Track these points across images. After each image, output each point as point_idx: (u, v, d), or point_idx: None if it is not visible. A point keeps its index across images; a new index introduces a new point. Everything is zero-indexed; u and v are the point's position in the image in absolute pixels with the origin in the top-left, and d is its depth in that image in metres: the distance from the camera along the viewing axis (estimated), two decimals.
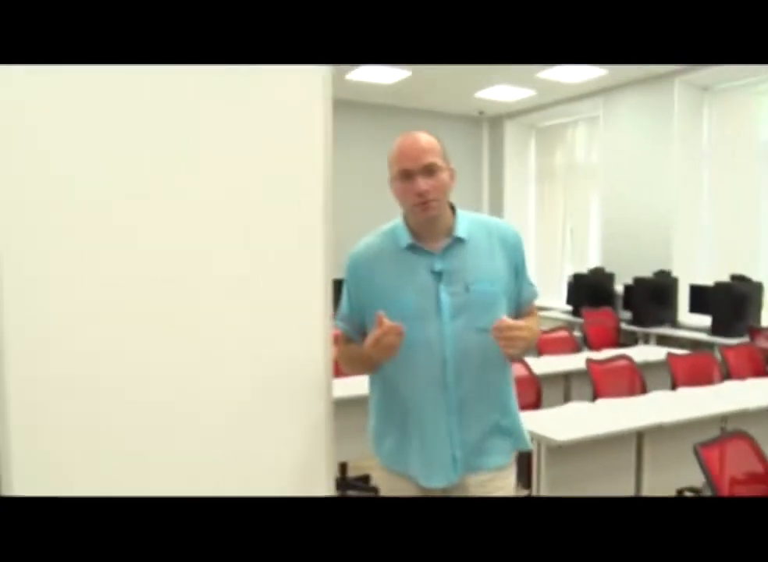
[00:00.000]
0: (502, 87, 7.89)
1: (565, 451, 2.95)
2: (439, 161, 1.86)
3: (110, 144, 1.66)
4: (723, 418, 3.40)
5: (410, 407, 1.93)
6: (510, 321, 1.78)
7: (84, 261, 1.64)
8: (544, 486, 3.03)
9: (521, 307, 2.02)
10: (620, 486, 3.15)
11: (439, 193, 1.85)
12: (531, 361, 4.18)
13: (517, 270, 1.97)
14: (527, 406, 3.49)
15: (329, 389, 1.96)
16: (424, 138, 1.88)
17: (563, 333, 5.59)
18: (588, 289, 7.50)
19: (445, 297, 1.87)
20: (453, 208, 1.97)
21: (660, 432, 3.16)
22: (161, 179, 1.72)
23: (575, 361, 4.52)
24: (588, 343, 5.82)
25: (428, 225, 1.90)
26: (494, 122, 9.57)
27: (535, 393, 3.83)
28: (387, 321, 1.74)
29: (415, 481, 1.93)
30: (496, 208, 9.45)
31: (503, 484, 1.97)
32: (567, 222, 9.13)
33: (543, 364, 4.47)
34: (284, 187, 1.89)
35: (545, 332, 5.67)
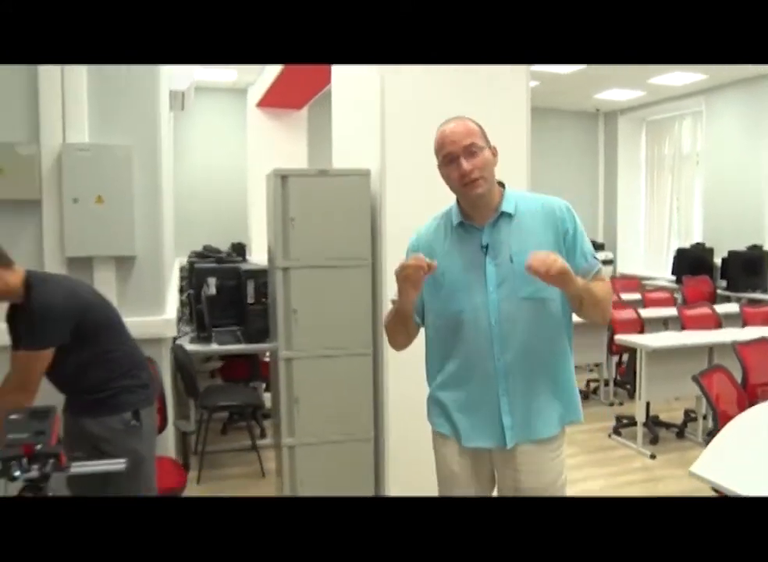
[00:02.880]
0: (615, 90, 9.32)
1: (658, 355, 4.60)
2: (479, 142, 1.93)
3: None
4: None
5: (462, 374, 2.01)
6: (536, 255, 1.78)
7: None
8: (644, 382, 4.67)
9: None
10: None
11: (483, 171, 1.92)
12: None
13: (566, 244, 1.97)
14: (633, 333, 5.18)
15: None
16: (462, 123, 1.96)
17: (664, 294, 7.12)
18: (690, 262, 8.84)
19: (490, 268, 1.95)
20: (502, 186, 2.04)
21: (725, 348, 4.71)
22: None
23: (671, 311, 6.08)
24: (685, 302, 7.28)
25: (476, 204, 1.97)
26: (608, 117, 10.97)
27: (639, 328, 5.48)
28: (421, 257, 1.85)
29: (461, 443, 2.05)
30: (610, 193, 10.89)
31: (553, 455, 2.02)
32: (674, 203, 10.41)
33: (646, 312, 6.05)
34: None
35: (649, 290, 7.26)
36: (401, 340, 2.12)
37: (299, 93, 7.90)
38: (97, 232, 3.26)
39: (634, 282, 8.52)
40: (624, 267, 10.55)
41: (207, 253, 6.35)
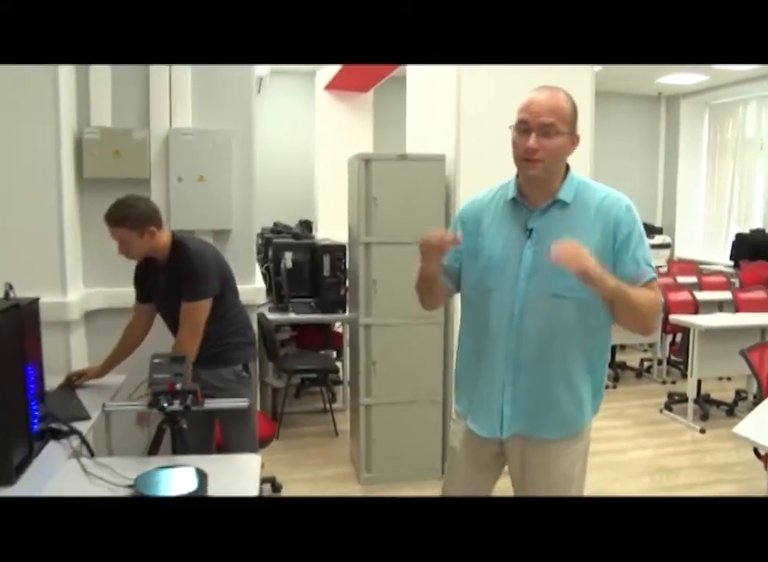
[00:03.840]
0: (679, 74, 9.35)
1: (710, 335, 4.82)
2: (560, 125, 1.79)
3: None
4: None
5: (478, 355, 1.96)
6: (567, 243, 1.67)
7: None
8: (696, 360, 4.90)
9: None
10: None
11: (549, 155, 1.79)
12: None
13: (616, 245, 1.82)
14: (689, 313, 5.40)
15: None
16: (555, 97, 1.81)
17: (721, 278, 7.25)
18: (749, 247, 8.87)
19: (527, 253, 1.85)
20: (568, 170, 1.91)
21: None
22: None
23: (726, 295, 6.25)
24: (741, 287, 7.40)
25: (530, 182, 1.87)
26: (671, 101, 10.98)
27: (693, 309, 5.69)
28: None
29: (467, 421, 2.02)
30: (670, 177, 10.92)
31: (564, 453, 1.93)
32: (735, 188, 10.37)
33: (701, 295, 6.24)
34: None
35: (706, 274, 7.39)
36: (427, 300, 2.08)
37: (366, 76, 8.20)
38: (198, 208, 3.66)
39: (691, 266, 8.63)
40: (682, 251, 10.60)
41: (281, 229, 6.75)
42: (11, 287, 2.31)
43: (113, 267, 3.57)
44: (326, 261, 4.96)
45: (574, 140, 1.85)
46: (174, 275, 2.73)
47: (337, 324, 5.63)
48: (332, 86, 8.78)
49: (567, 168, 1.91)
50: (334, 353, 5.65)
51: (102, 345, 3.45)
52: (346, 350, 5.28)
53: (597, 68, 8.71)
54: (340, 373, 5.36)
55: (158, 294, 2.86)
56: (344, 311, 4.93)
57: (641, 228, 1.86)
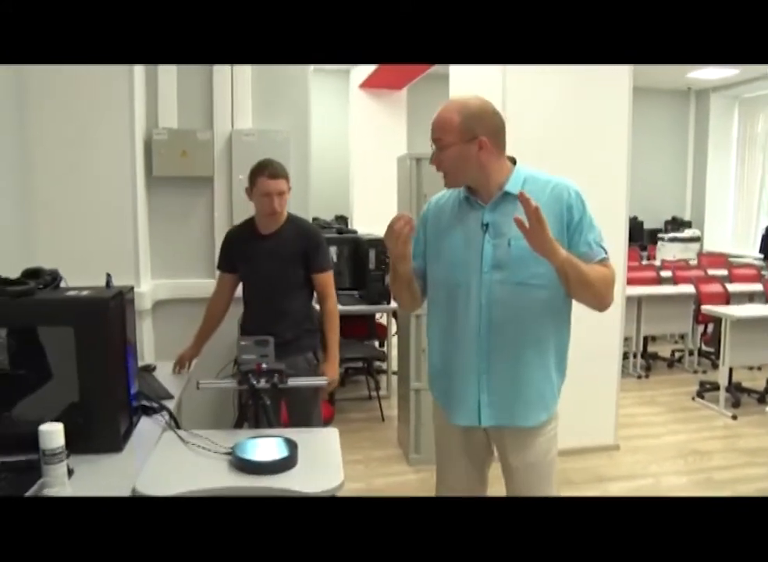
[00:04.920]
0: (709, 69, 9.44)
1: (742, 324, 4.99)
2: (447, 137, 1.88)
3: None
4: None
5: (450, 350, 2.03)
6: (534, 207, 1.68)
7: None
8: (728, 349, 5.07)
9: None
10: None
11: (447, 166, 1.91)
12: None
13: (570, 230, 1.91)
14: (721, 304, 5.56)
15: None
16: (443, 113, 1.90)
17: (751, 270, 7.39)
18: None
19: (488, 248, 1.93)
20: (514, 163, 1.99)
21: None
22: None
23: (757, 287, 6.39)
24: None
25: (477, 182, 1.96)
26: (700, 95, 11.06)
27: (725, 300, 5.85)
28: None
29: (448, 418, 2.09)
30: (699, 171, 11.01)
31: (541, 435, 2.01)
32: (765, 181, 10.43)
33: (732, 287, 6.39)
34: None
35: (736, 266, 7.53)
36: (405, 299, 2.14)
37: (401, 74, 8.41)
38: None
39: (720, 259, 8.74)
40: (711, 245, 10.68)
41: (322, 224, 6.98)
42: (110, 277, 2.54)
43: (176, 260, 3.87)
44: (372, 254, 5.17)
45: (476, 143, 1.88)
46: (289, 243, 2.95)
47: (378, 314, 5.86)
48: (366, 84, 8.99)
49: (514, 162, 2.00)
50: (376, 343, 5.87)
51: (166, 333, 3.73)
52: (391, 340, 5.52)
53: None
54: (383, 363, 5.59)
55: (258, 261, 2.98)
56: (388, 303, 5.15)
57: (590, 212, 1.95)
